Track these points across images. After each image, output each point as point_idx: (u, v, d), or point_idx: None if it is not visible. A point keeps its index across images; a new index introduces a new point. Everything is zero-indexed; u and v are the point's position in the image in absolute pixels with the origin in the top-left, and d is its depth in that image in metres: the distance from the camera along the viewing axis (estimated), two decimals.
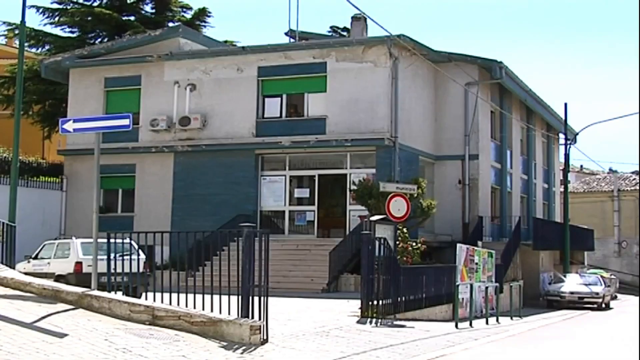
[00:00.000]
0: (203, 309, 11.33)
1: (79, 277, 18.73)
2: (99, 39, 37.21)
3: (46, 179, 31.30)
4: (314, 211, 28.64)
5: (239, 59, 29.65)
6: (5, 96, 36.16)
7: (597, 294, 31.43)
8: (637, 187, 54.37)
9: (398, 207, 20.49)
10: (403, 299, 18.05)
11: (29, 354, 8.58)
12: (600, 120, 73.37)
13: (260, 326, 10.91)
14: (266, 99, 29.42)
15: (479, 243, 27.94)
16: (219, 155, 29.11)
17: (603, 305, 31.61)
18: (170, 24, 37.66)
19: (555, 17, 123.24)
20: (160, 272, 12.55)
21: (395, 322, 16.20)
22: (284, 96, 29.38)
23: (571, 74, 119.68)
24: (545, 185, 43.09)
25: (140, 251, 13.21)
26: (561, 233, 35.87)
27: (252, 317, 11.04)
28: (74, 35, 37.89)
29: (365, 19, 31.98)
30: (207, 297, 11.42)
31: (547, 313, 27.05)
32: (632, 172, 58.08)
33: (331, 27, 47.24)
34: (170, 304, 11.75)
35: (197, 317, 11.14)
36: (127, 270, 12.62)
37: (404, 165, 27.88)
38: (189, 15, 39.48)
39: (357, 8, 17.54)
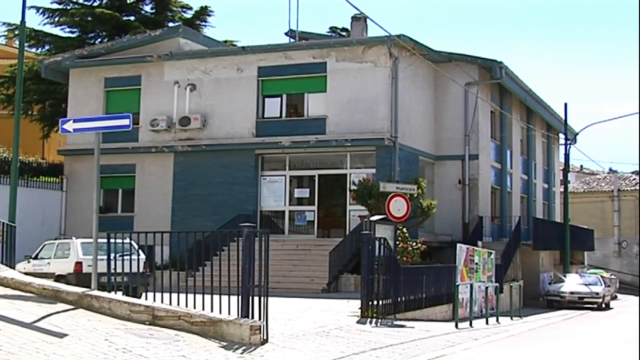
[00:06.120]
0: (203, 309, 11.33)
1: (79, 277, 18.72)
2: (99, 39, 37.18)
3: (46, 179, 31.28)
4: (314, 211, 28.64)
5: (239, 59, 29.64)
6: (6, 96, 36.16)
7: (597, 294, 31.44)
8: (637, 187, 54.34)
9: (398, 207, 20.48)
10: (403, 299, 18.05)
11: (29, 354, 8.58)
12: (600, 120, 73.54)
13: (260, 326, 10.92)
14: (266, 99, 29.42)
15: (479, 243, 27.94)
16: (219, 155, 29.11)
17: (603, 305, 31.61)
18: (170, 24, 37.66)
19: (556, 17, 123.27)
20: (160, 272, 12.53)
21: (395, 322, 16.20)
22: (284, 96, 29.38)
23: (571, 74, 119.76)
24: (545, 185, 43.08)
25: (140, 251, 13.21)
26: (561, 233, 35.87)
27: (252, 317, 11.03)
28: (74, 35, 37.89)
29: (365, 19, 31.97)
30: (207, 297, 11.42)
31: (547, 313, 27.05)
32: (632, 172, 58.06)
33: (331, 27, 47.27)
34: (170, 304, 11.75)
35: (197, 317, 11.14)
36: (127, 270, 12.63)
37: (404, 165, 27.87)
38: (189, 15, 39.49)
39: (356, 8, 17.54)
